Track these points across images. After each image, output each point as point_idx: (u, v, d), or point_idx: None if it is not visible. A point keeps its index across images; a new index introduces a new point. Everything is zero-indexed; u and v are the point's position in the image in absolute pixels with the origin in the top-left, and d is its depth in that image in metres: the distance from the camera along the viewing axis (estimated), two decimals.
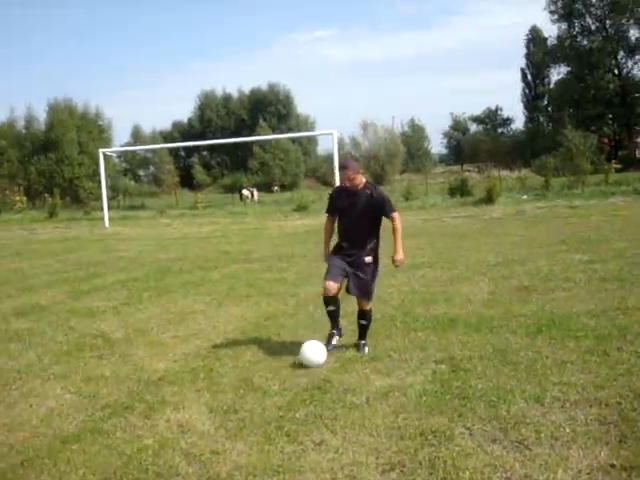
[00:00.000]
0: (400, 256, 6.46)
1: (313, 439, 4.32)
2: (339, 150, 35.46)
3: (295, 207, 32.47)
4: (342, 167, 6.39)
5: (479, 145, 74.81)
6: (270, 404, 5.02)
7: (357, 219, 6.33)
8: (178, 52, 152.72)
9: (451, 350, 6.13)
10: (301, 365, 5.96)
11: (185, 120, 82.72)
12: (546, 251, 12.19)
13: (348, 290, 6.50)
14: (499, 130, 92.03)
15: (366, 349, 6.37)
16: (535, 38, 77.95)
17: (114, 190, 49.22)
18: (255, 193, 45.82)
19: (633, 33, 64.13)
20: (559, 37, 67.02)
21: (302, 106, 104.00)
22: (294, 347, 6.57)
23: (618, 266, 10.07)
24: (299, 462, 4.01)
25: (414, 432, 4.31)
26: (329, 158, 33.79)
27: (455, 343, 6.38)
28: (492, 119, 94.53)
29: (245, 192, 44.06)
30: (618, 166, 43.72)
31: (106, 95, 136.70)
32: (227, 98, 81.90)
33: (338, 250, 6.53)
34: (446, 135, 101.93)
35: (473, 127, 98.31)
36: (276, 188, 62.53)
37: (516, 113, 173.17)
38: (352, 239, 6.40)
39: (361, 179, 6.33)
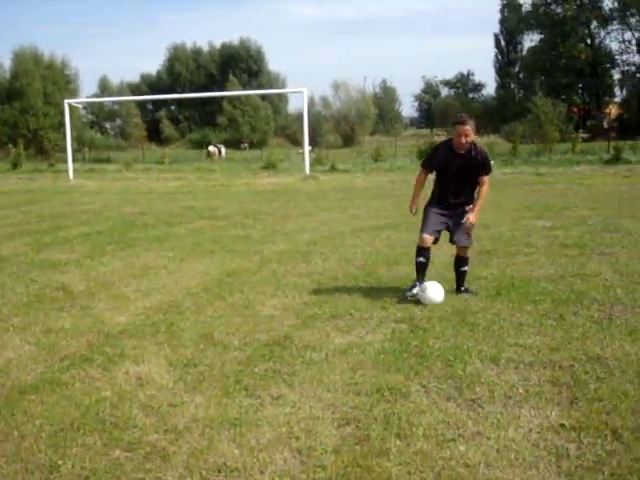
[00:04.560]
0: (475, 217, 6.57)
1: (271, 393, 4.36)
2: (309, 109, 35.17)
3: (264, 165, 32.29)
4: (462, 122, 6.36)
5: (450, 109, 74.74)
6: (230, 359, 5.04)
7: (462, 177, 6.50)
8: (148, 3, 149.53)
9: (411, 310, 6.20)
10: (262, 321, 5.99)
11: (154, 73, 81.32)
12: (510, 217, 12.32)
13: (454, 242, 6.70)
14: (470, 95, 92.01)
15: (471, 291, 6.76)
16: (510, 4, 77.67)
17: (80, 142, 48.51)
18: (223, 150, 45.40)
19: (607, 3, 64.33)
20: (534, 4, 67.02)
21: (273, 63, 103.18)
22: (256, 303, 6.62)
23: (580, 233, 10.23)
24: (256, 416, 4.04)
25: (370, 389, 4.37)
26: (299, 116, 33.53)
27: (415, 303, 6.44)
28: (464, 84, 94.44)
29: (211, 148, 43.56)
30: (586, 135, 44.12)
31: (73, 45, 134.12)
32: (197, 52, 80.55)
33: (439, 203, 6.64)
34: (417, 98, 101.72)
35: (445, 91, 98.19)
36: (245, 145, 62.02)
37: (488, 79, 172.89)
38: (457, 194, 6.58)
39: (473, 138, 6.44)
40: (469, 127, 6.35)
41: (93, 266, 8.74)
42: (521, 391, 4.31)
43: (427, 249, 6.64)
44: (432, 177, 6.84)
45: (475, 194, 6.66)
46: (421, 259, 6.69)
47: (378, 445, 3.63)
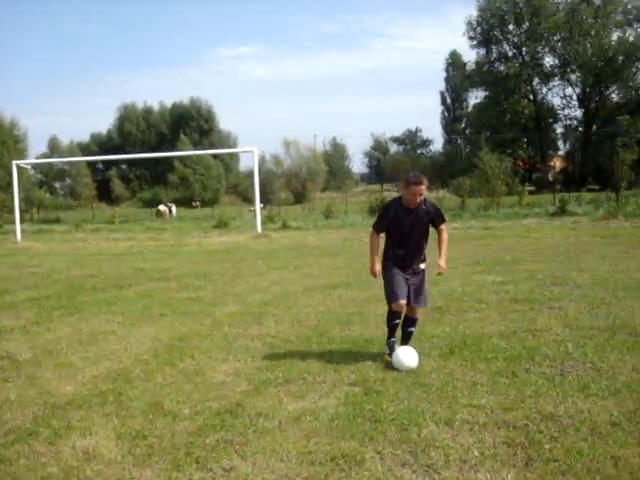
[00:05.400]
0: (445, 264, 6.70)
1: (223, 465, 4.24)
2: (261, 167, 35.32)
3: (215, 224, 32.24)
4: (418, 182, 6.36)
5: (399, 165, 75.94)
6: (180, 429, 4.91)
7: (415, 232, 6.52)
8: (97, 64, 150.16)
9: (365, 372, 6.14)
10: (213, 388, 5.88)
11: (104, 133, 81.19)
12: (461, 272, 12.42)
13: (410, 302, 6.60)
14: (419, 151, 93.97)
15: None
16: (454, 62, 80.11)
17: (28, 203, 47.82)
18: (173, 208, 45.25)
19: (548, 60, 66.73)
20: (477, 62, 69.12)
21: (224, 122, 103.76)
22: (207, 369, 6.49)
23: (529, 287, 10.35)
24: None
25: (325, 457, 4.28)
26: (250, 174, 33.68)
27: (370, 365, 6.39)
28: (412, 140, 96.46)
29: (162, 208, 43.32)
30: (532, 188, 45.17)
31: (21, 105, 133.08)
32: (148, 111, 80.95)
33: (395, 263, 6.59)
34: (367, 155, 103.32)
35: (394, 147, 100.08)
36: (197, 203, 61.98)
37: (435, 135, 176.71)
38: (410, 250, 6.56)
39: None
40: (424, 187, 6.42)
41: (40, 333, 8.52)
42: (476, 454, 4.27)
43: (399, 313, 6.61)
44: (383, 235, 6.85)
45: (425, 251, 6.71)
46: (397, 321, 6.66)
47: None
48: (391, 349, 6.57)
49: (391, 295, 6.57)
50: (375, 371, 6.16)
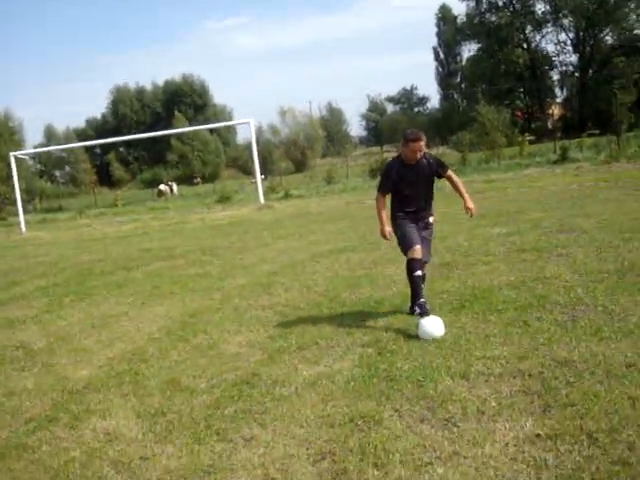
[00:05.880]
0: (472, 204, 6.75)
1: (243, 435, 4.28)
2: (258, 138, 35.15)
3: (217, 198, 32.21)
4: (417, 139, 6.36)
5: (397, 125, 75.58)
6: (198, 403, 4.95)
7: (420, 186, 6.55)
8: (86, 47, 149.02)
9: (377, 333, 6.16)
10: (228, 360, 5.90)
11: (99, 117, 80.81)
12: (466, 226, 12.39)
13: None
14: (416, 109, 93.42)
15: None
16: (445, 17, 79.16)
17: (29, 193, 47.82)
18: (174, 187, 45.16)
19: (539, 7, 65.83)
20: (468, 15, 68.33)
21: (218, 96, 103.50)
22: (221, 342, 6.53)
23: (535, 236, 10.33)
24: (230, 460, 3.96)
25: (343, 419, 4.31)
26: (249, 146, 33.52)
27: (381, 325, 6.41)
28: (408, 99, 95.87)
29: (162, 187, 43.21)
30: (532, 138, 44.91)
31: (15, 95, 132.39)
32: (141, 91, 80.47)
33: (404, 216, 6.58)
34: (364, 117, 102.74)
35: (390, 108, 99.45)
36: (197, 180, 61.86)
37: (431, 92, 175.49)
38: (418, 204, 6.59)
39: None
40: (423, 143, 6.41)
41: (52, 320, 8.57)
42: (494, 404, 4.29)
43: (420, 260, 6.43)
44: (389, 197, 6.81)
45: (432, 203, 6.74)
46: (418, 272, 6.41)
47: (356, 477, 3.58)
48: (422, 310, 6.29)
49: (407, 242, 6.48)
50: (387, 331, 6.18)
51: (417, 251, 6.41)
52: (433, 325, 5.92)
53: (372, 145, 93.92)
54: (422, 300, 6.39)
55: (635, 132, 35.90)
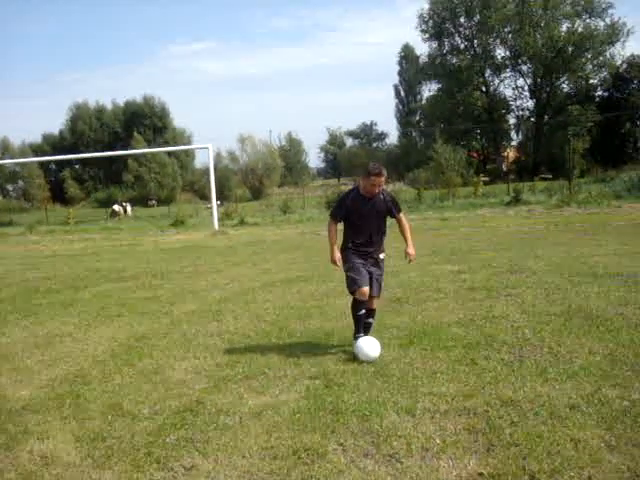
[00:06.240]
0: (414, 250, 6.82)
1: (184, 464, 4.19)
2: (217, 163, 35.07)
3: (172, 222, 31.96)
4: (379, 174, 6.38)
5: (355, 159, 76.19)
6: (140, 429, 4.84)
7: (373, 220, 6.56)
8: (48, 64, 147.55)
9: (325, 365, 6.12)
10: (172, 387, 5.80)
11: (56, 133, 79.68)
12: (418, 262, 12.43)
13: (370, 294, 6.59)
14: (374, 144, 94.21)
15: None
16: (407, 56, 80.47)
17: None
18: (129, 208, 44.66)
19: (499, 52, 67.29)
20: (430, 55, 69.38)
21: (179, 119, 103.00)
22: (166, 368, 6.41)
23: (486, 276, 10.45)
24: None
25: (287, 451, 4.25)
26: (206, 171, 33.40)
27: (330, 357, 6.38)
28: (367, 133, 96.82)
29: (116, 207, 42.66)
30: (486, 179, 45.64)
31: None
32: (100, 110, 79.49)
33: (353, 250, 6.58)
34: (323, 149, 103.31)
35: (349, 141, 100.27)
36: (153, 202, 61.31)
37: (390, 128, 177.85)
38: (369, 237, 6.59)
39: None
40: (384, 179, 6.47)
41: None
42: (438, 442, 4.28)
43: (365, 301, 6.58)
44: (341, 226, 6.82)
45: (384, 241, 6.77)
46: (362, 312, 6.61)
47: None
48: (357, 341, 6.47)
49: (354, 284, 6.55)
50: (336, 363, 6.15)
51: (364, 293, 6.51)
52: (369, 345, 6.19)
53: (330, 177, 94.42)
54: (360, 335, 6.54)
55: (586, 178, 36.82)
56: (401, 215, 6.79)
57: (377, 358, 6.16)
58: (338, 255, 6.63)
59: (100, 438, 4.73)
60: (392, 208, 6.68)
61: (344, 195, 6.89)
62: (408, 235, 6.82)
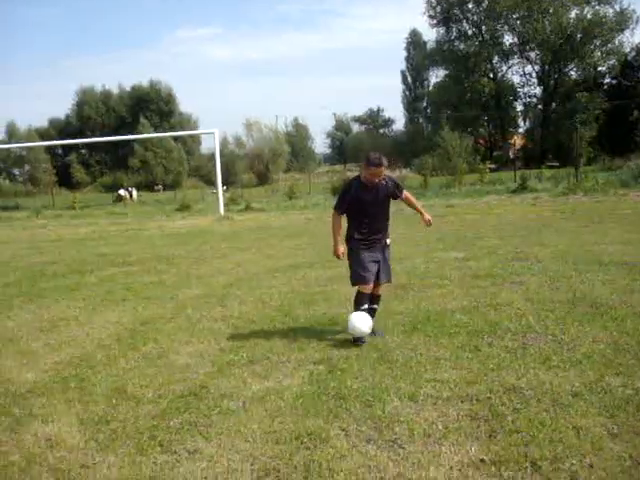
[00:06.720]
0: (429, 215, 7.02)
1: (187, 448, 4.22)
2: (223, 149, 35.06)
3: (177, 207, 31.96)
4: (380, 164, 6.38)
5: (361, 145, 75.95)
6: (143, 413, 4.87)
7: (378, 208, 6.60)
8: (56, 49, 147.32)
9: (329, 350, 6.15)
10: (176, 371, 5.83)
11: (63, 118, 79.63)
12: (424, 249, 12.50)
13: (378, 279, 6.63)
14: (381, 131, 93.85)
15: (379, 332, 6.62)
16: (415, 42, 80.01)
17: None
18: (134, 193, 44.64)
19: (507, 39, 66.87)
20: (437, 41, 69.01)
21: (185, 104, 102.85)
22: (170, 352, 6.45)
23: (491, 263, 10.43)
24: (172, 472, 3.90)
25: (290, 436, 4.28)
26: (212, 156, 33.36)
27: (333, 343, 6.41)
28: (374, 119, 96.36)
29: (122, 192, 42.60)
30: (493, 166, 45.52)
31: None
32: (107, 95, 79.36)
33: (361, 241, 6.58)
34: (329, 135, 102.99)
35: (356, 127, 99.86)
36: (159, 187, 61.32)
37: (397, 114, 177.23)
38: (375, 226, 6.62)
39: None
40: (384, 169, 6.47)
41: (0, 321, 8.38)
42: (440, 428, 4.30)
43: (368, 295, 6.58)
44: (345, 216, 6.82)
45: (388, 225, 6.81)
46: (366, 305, 6.56)
47: None
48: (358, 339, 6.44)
49: (358, 278, 6.57)
50: (339, 349, 6.18)
51: (367, 288, 6.53)
52: (361, 321, 6.29)
53: (336, 163, 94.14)
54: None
55: (593, 166, 36.66)
56: (406, 193, 6.85)
57: (365, 333, 6.32)
58: (342, 249, 6.67)
59: (104, 421, 4.77)
60: (395, 190, 6.69)
61: (347, 186, 6.87)
62: (418, 206, 7.04)
